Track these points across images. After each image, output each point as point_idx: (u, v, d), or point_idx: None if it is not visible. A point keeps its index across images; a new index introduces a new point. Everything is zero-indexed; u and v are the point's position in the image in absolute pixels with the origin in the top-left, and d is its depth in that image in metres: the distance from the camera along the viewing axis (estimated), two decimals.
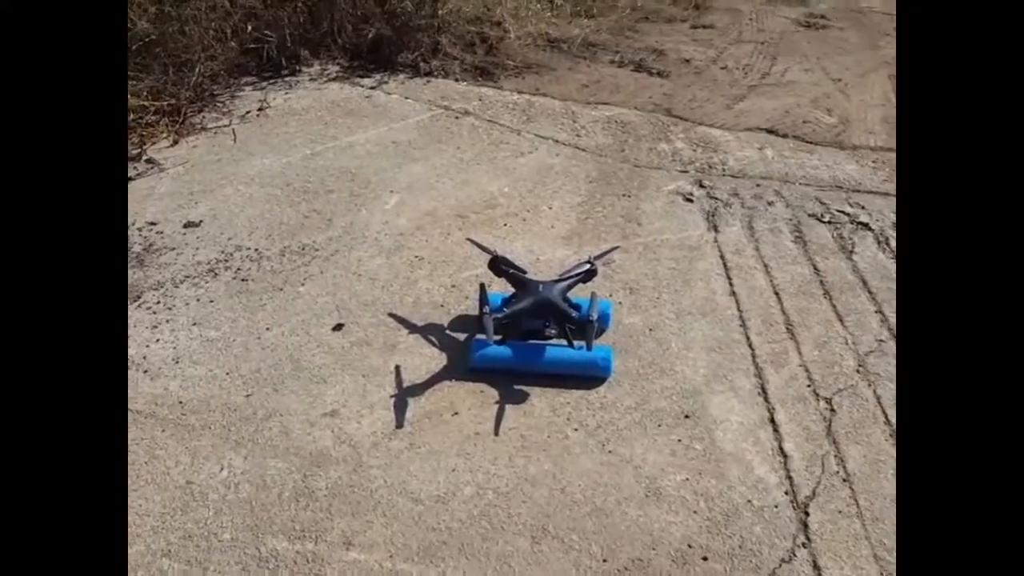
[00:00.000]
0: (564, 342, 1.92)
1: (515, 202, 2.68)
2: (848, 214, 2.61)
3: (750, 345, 2.00)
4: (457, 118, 3.35)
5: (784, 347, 1.99)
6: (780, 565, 1.44)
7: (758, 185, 2.79)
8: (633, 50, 4.26)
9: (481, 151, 3.05)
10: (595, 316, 1.86)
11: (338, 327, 2.08)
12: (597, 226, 2.53)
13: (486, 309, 1.89)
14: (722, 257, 2.36)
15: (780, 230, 2.51)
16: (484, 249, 2.06)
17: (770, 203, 2.67)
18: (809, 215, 2.60)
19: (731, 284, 2.24)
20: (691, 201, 2.68)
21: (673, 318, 2.10)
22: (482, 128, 3.26)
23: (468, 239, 2.18)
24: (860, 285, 2.24)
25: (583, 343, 1.83)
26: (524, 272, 2.04)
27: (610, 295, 2.18)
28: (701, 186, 2.78)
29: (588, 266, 2.01)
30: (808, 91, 3.69)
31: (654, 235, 2.48)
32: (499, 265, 2.02)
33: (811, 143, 3.14)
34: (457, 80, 3.80)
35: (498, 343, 1.91)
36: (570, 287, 1.99)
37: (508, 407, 1.81)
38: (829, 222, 2.56)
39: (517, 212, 2.62)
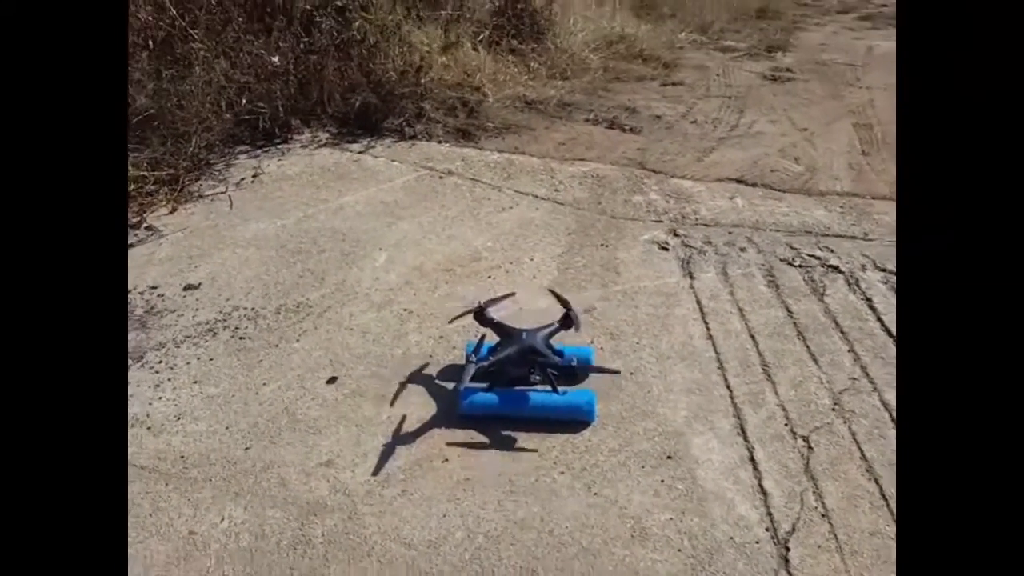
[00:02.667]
0: (549, 388, 1.98)
1: (498, 255, 2.80)
2: (818, 257, 2.74)
3: (728, 387, 2.09)
4: (441, 178, 3.51)
5: (761, 388, 2.09)
6: None
7: (730, 233, 2.93)
8: (606, 108, 4.48)
9: (465, 208, 3.19)
10: (575, 361, 1.99)
11: (332, 380, 2.16)
12: (577, 275, 2.65)
13: (472, 357, 1.99)
14: (698, 302, 2.48)
15: (753, 275, 2.64)
16: (465, 313, 2.17)
17: (742, 249, 2.80)
18: (780, 260, 2.73)
19: (708, 328, 2.34)
20: (666, 250, 2.81)
21: (653, 362, 2.19)
22: (465, 186, 3.41)
23: (450, 321, 2.26)
24: (832, 326, 2.35)
25: (567, 388, 1.91)
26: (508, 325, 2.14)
27: (591, 341, 2.28)
28: (675, 235, 2.92)
29: (565, 312, 2.11)
30: (775, 141, 3.89)
31: (632, 283, 2.60)
32: (485, 315, 2.12)
33: (780, 191, 3.31)
34: (440, 142, 3.97)
35: (485, 390, 1.99)
36: (551, 335, 2.09)
37: (496, 453, 1.88)
38: (800, 266, 2.69)
39: (500, 264, 2.74)
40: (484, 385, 2.00)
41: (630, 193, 3.30)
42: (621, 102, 4.60)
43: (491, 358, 2.01)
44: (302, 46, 4.12)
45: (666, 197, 3.26)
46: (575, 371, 2.06)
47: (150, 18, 4.04)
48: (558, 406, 1.96)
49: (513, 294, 2.33)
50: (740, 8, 7.48)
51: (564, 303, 2.15)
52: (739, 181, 3.41)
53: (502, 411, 1.99)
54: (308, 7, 4.17)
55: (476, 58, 4.74)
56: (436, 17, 4.81)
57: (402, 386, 2.12)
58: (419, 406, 2.05)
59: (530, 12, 5.47)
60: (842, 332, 2.32)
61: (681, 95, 4.81)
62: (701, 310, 2.43)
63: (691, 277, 2.62)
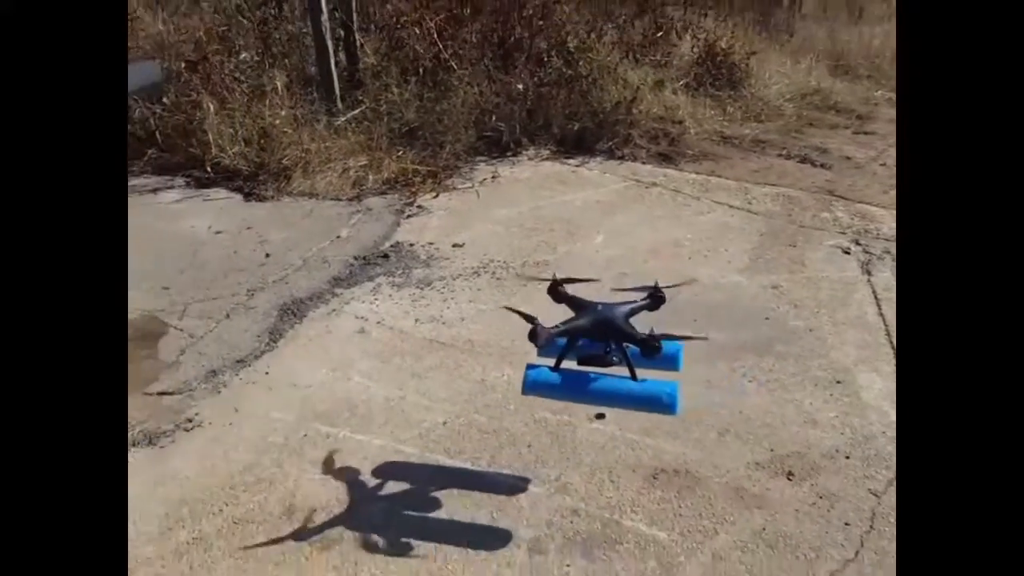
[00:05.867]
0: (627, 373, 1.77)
1: (697, 245, 3.43)
2: None
3: (892, 346, 2.55)
4: (647, 188, 4.21)
5: None
6: None
7: None
8: (799, 147, 4.97)
9: (668, 211, 3.86)
10: (657, 339, 1.73)
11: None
12: (767, 264, 3.21)
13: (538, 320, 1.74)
14: (873, 291, 2.94)
15: None
16: (523, 316, 1.81)
17: None
18: None
19: (880, 308, 2.80)
20: (848, 253, 3.29)
21: (830, 325, 2.70)
22: (667, 195, 4.08)
23: (505, 307, 2.19)
24: None
25: (645, 380, 1.73)
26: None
27: (775, 307, 2.83)
28: (858, 244, 3.38)
29: (653, 291, 1.88)
30: None
31: (816, 272, 3.11)
32: (558, 289, 1.89)
33: None
34: (644, 163, 4.68)
35: (552, 369, 1.79)
36: (634, 312, 1.83)
37: (694, 361, 2.48)
38: None
39: (699, 251, 3.36)
40: (551, 363, 1.80)
41: (818, 211, 3.80)
42: (813, 143, 5.06)
43: (560, 326, 1.76)
44: (535, 79, 5.06)
45: (851, 216, 3.72)
46: (658, 349, 1.74)
47: (421, 50, 5.18)
48: (633, 395, 1.73)
49: (597, 280, 2.15)
50: None
51: (650, 287, 1.89)
52: None
53: (567, 394, 1.82)
54: (544, 47, 5.11)
55: (676, 100, 5.44)
56: (647, 61, 5.59)
57: None
58: None
59: (728, 64, 6.10)
60: None
61: (873, 142, 5.18)
62: (875, 296, 2.89)
63: (869, 274, 3.08)
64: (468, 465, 2.08)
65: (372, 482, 2.03)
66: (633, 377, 1.74)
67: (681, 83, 5.64)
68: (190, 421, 2.30)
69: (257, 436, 2.22)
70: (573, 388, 1.77)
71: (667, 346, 1.77)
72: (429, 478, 2.05)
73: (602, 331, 1.75)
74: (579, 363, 1.79)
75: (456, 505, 1.94)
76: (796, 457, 2.04)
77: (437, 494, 1.99)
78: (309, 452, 2.14)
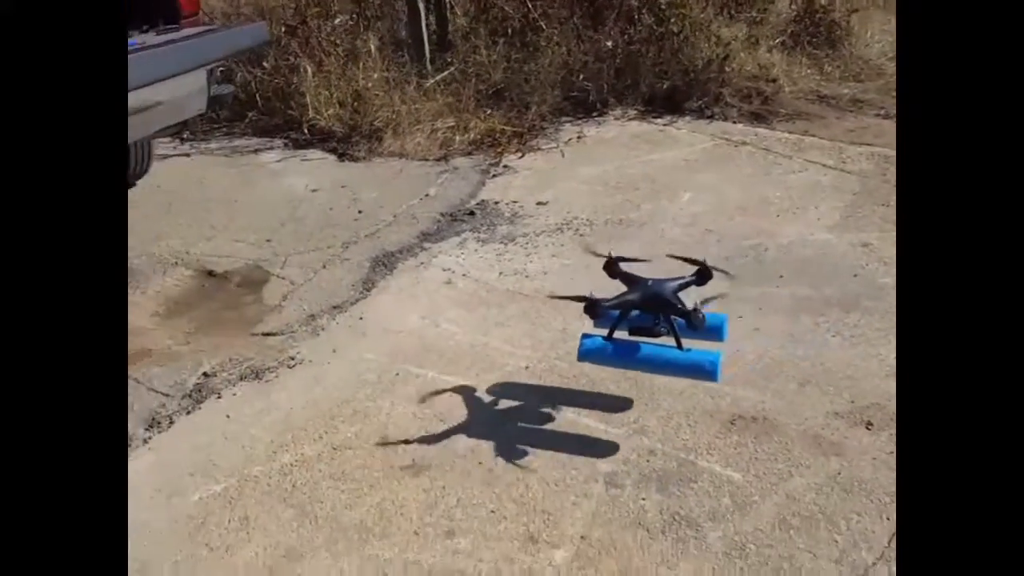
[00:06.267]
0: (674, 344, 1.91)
1: (787, 203, 3.36)
2: None
3: None
4: (736, 147, 4.13)
5: None
6: None
7: None
8: None
9: (758, 169, 3.78)
10: (701, 312, 1.88)
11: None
12: (858, 222, 3.12)
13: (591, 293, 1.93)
14: None
15: None
16: (572, 298, 2.04)
17: None
18: None
19: None
20: None
21: None
22: (758, 154, 3.99)
23: (551, 296, 2.40)
24: None
25: (690, 349, 1.87)
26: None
27: (864, 264, 2.75)
28: None
29: (700, 267, 2.00)
30: None
31: None
32: (614, 267, 2.05)
33: None
34: (735, 122, 4.58)
35: (605, 339, 1.97)
36: (682, 287, 1.97)
37: (782, 317, 2.46)
38: None
39: (788, 209, 3.29)
40: (604, 332, 1.98)
41: None
42: None
43: (614, 300, 1.95)
44: (625, 37, 5.00)
45: None
46: (702, 321, 1.90)
47: (510, 11, 5.21)
48: (678, 363, 1.89)
49: (649, 260, 2.22)
50: None
51: (698, 262, 2.01)
52: None
53: (619, 361, 1.99)
54: (635, 3, 5.04)
55: (771, 58, 5.25)
56: (742, 17, 5.41)
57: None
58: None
59: (828, 22, 5.80)
60: None
61: None
62: None
63: None
64: (550, 407, 2.17)
65: (459, 417, 2.15)
66: (679, 347, 1.89)
67: (777, 41, 5.43)
68: (292, 359, 2.49)
69: (353, 374, 2.39)
70: (624, 356, 1.96)
71: (712, 318, 1.94)
72: (513, 415, 2.16)
73: (652, 304, 1.91)
74: (630, 333, 1.95)
75: (539, 439, 2.04)
76: (876, 408, 2.02)
77: (520, 430, 2.10)
78: (400, 389, 2.29)
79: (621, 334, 1.98)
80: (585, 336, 2.00)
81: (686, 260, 2.04)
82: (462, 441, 2.06)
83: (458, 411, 2.18)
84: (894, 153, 3.89)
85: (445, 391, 2.27)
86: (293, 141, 4.63)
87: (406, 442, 2.06)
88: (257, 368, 2.44)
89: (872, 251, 2.86)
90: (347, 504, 1.87)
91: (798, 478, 1.83)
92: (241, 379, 2.39)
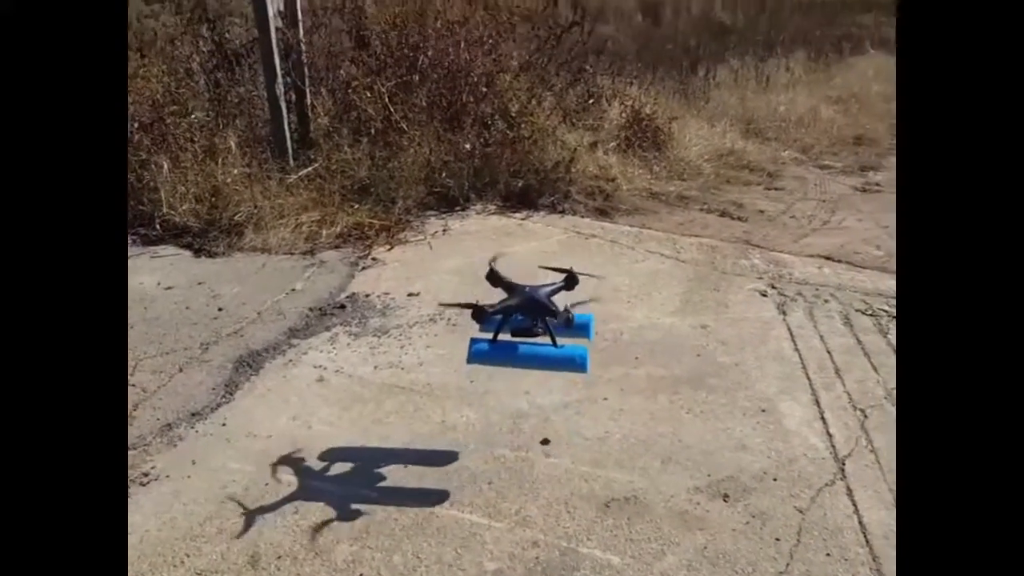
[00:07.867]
0: (549, 341, 2.16)
1: (634, 290, 3.73)
2: (886, 311, 3.49)
3: (808, 378, 2.86)
4: (586, 239, 4.52)
5: (832, 380, 2.85)
6: (824, 486, 2.25)
7: (817, 290, 3.74)
8: (718, 202, 5.42)
9: (607, 258, 4.17)
10: (572, 314, 2.16)
11: None
12: (695, 306, 3.52)
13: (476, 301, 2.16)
14: (789, 329, 3.28)
15: (833, 317, 3.42)
16: (460, 305, 2.31)
17: (826, 300, 3.60)
18: (855, 310, 3.50)
19: (795, 344, 3.14)
20: (765, 296, 3.64)
21: (753, 360, 3.00)
22: (606, 245, 4.40)
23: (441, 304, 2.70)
24: (892, 352, 3.09)
25: (563, 345, 2.13)
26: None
27: (704, 345, 3.12)
28: (773, 287, 3.75)
29: (568, 274, 2.28)
30: (860, 234, 4.68)
31: (738, 313, 3.44)
32: (495, 273, 2.31)
33: (860, 267, 4.08)
34: (583, 216, 5.02)
35: (489, 342, 2.19)
36: (554, 292, 2.23)
37: (642, 398, 2.72)
38: (871, 315, 3.44)
39: (636, 295, 3.66)
40: (489, 336, 2.19)
41: (737, 258, 4.18)
42: (731, 199, 5.54)
43: (495, 306, 2.17)
44: (481, 140, 5.37)
45: (767, 263, 4.11)
46: (571, 321, 2.18)
47: (372, 112, 5.42)
48: (553, 358, 2.15)
49: (568, 269, 2.38)
50: (839, 136, 8.35)
51: (566, 270, 2.29)
52: (827, 258, 4.22)
53: (503, 360, 2.22)
54: (490, 111, 5.46)
55: (609, 160, 5.86)
56: (582, 124, 6.02)
57: None
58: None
59: (652, 128, 6.60)
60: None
61: (782, 197, 5.70)
62: (791, 334, 3.23)
63: (784, 314, 3.43)
64: (431, 506, 2.20)
65: (337, 527, 2.11)
66: (554, 344, 2.15)
67: (612, 144, 6.08)
68: (146, 475, 2.33)
69: (217, 487, 2.27)
70: (507, 355, 2.19)
71: (579, 318, 2.22)
72: (395, 519, 2.16)
73: (529, 308, 2.15)
74: (512, 335, 2.18)
75: (424, 543, 2.06)
76: (730, 480, 2.29)
77: (404, 533, 2.10)
78: (271, 501, 2.20)
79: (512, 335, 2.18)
80: (473, 340, 2.18)
81: (555, 269, 2.31)
82: (342, 552, 2.02)
83: (336, 520, 2.13)
84: (719, 243, 4.46)
85: (320, 499, 2.22)
86: (143, 237, 4.42)
87: (279, 560, 1.98)
88: None
89: (710, 332, 3.24)
90: None
91: (670, 556, 2.01)
92: None
